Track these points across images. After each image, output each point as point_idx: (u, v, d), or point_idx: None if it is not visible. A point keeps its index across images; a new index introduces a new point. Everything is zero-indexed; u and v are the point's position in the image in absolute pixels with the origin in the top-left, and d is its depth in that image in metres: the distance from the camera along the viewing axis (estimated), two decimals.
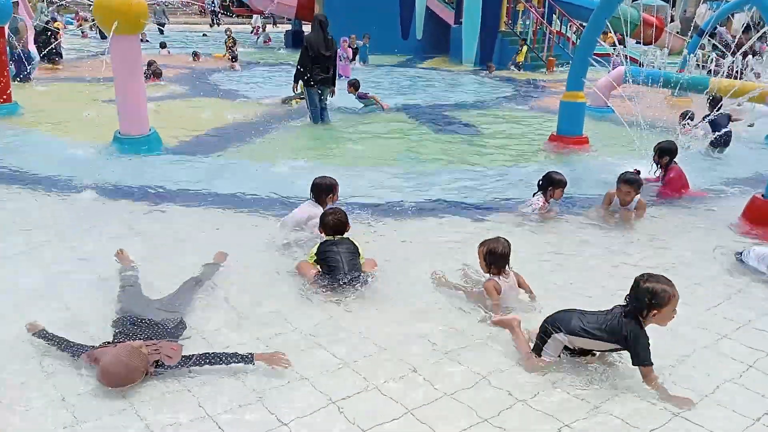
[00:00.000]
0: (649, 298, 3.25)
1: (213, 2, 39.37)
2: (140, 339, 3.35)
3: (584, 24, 14.75)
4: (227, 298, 4.27)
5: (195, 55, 19.68)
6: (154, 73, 14.63)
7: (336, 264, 4.38)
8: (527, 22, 21.51)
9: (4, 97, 10.24)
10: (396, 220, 5.97)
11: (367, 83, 15.16)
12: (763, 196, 5.97)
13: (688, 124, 8.82)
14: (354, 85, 12.06)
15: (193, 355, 3.38)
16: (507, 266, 4.26)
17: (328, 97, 10.51)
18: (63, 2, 25.23)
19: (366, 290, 4.37)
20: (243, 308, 4.13)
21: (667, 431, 3.00)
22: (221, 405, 3.11)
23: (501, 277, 4.22)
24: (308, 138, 9.85)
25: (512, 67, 19.71)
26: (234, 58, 18.51)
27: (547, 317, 3.57)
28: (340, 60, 14.32)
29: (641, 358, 3.25)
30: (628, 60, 13.74)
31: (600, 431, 3.01)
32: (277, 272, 4.68)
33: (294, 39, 26.08)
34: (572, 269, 4.95)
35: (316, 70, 10.07)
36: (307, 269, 4.52)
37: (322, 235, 4.68)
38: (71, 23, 30.08)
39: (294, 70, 10.32)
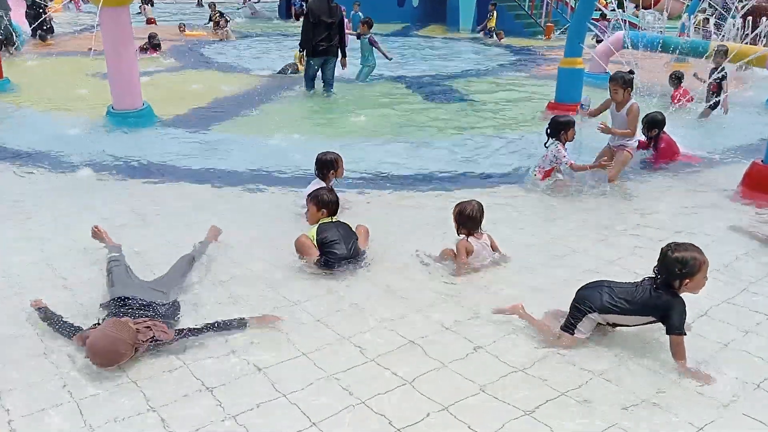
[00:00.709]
0: (679, 268, 3.18)
1: None
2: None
3: None
4: (222, 275, 4.22)
5: (181, 27, 19.13)
6: (153, 45, 14.43)
7: (340, 251, 4.24)
8: None
9: None
10: (393, 193, 5.92)
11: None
12: (762, 161, 5.91)
13: (677, 85, 8.82)
14: (368, 23, 11.51)
15: (185, 328, 3.37)
16: (479, 228, 4.37)
17: (337, 69, 10.25)
18: None
19: (365, 267, 4.35)
20: (239, 285, 4.09)
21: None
22: (217, 379, 3.10)
23: (472, 238, 4.32)
24: (305, 110, 9.76)
25: (482, 34, 19.50)
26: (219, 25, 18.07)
27: (577, 294, 3.49)
28: None
29: (676, 326, 3.19)
30: (627, 24, 13.54)
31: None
32: (277, 248, 4.58)
33: (287, 9, 25.68)
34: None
35: (318, 38, 9.84)
36: (308, 249, 4.34)
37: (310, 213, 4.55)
38: None
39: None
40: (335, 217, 4.55)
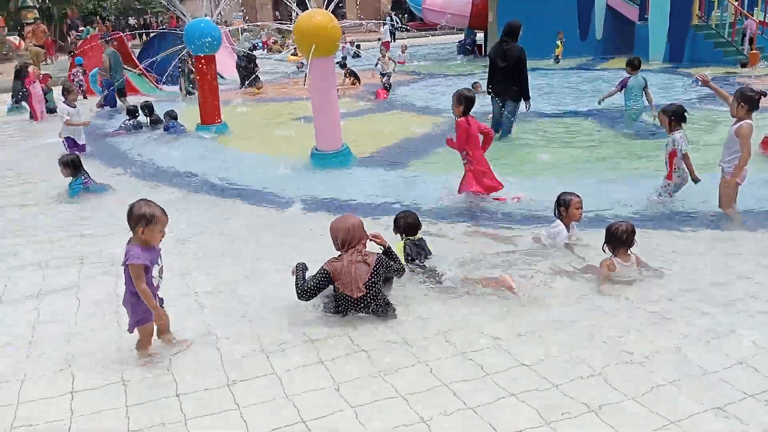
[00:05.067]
0: None
1: (391, 19, 40.82)
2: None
3: None
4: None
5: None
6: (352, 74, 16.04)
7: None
8: (724, 14, 19.64)
9: (216, 118, 11.49)
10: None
11: (540, 87, 14.95)
12: None
13: None
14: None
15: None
16: (628, 250, 4.71)
17: (518, 110, 10.16)
18: (263, 29, 27.72)
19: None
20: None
21: None
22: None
23: (617, 258, 4.68)
24: (492, 148, 9.82)
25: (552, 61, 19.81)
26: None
27: None
28: None
29: None
30: None
31: None
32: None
33: (465, 48, 26.28)
34: None
35: (494, 80, 10.04)
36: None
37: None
38: (259, 47, 32.93)
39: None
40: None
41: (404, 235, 5.12)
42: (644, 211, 6.29)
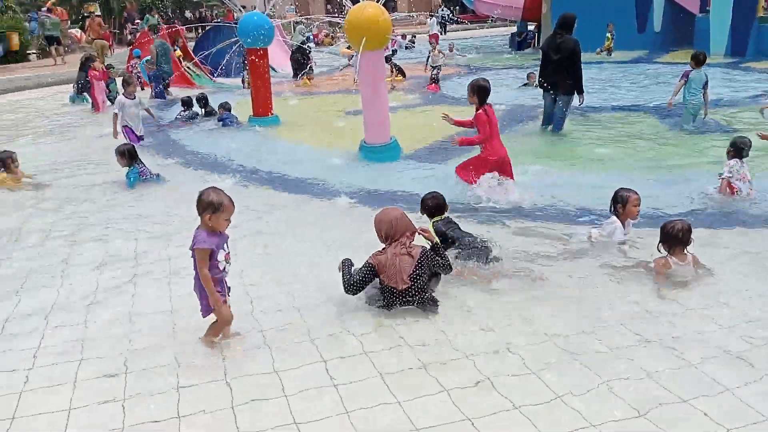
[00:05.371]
0: None
1: (442, 10, 40.59)
2: None
3: None
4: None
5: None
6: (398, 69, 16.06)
7: (464, 237, 4.97)
8: None
9: (269, 111, 11.67)
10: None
11: (595, 82, 14.65)
12: None
13: None
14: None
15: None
16: (684, 249, 4.59)
17: (571, 104, 9.97)
18: (314, 22, 27.95)
19: None
20: None
21: None
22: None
23: (673, 257, 4.57)
24: (542, 142, 9.70)
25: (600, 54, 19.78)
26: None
27: None
28: None
29: None
30: None
31: None
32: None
33: (519, 42, 25.90)
34: None
35: (546, 73, 9.89)
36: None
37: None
38: (310, 40, 33.16)
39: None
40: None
41: (431, 216, 5.20)
42: (700, 209, 6.10)
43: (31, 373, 3.73)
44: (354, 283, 4.24)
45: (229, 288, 3.98)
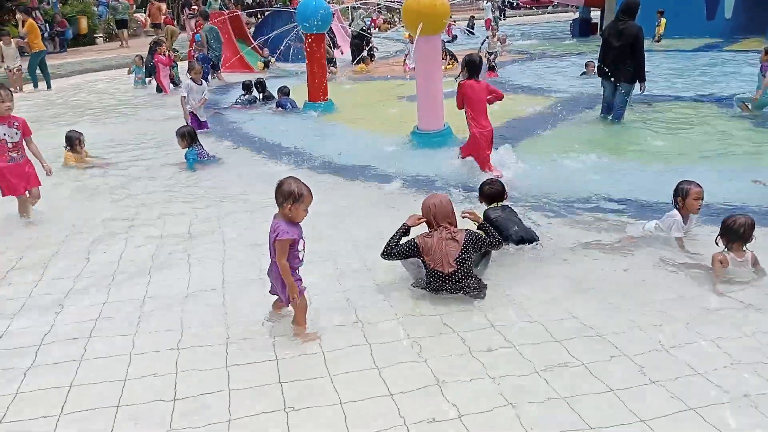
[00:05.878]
0: None
1: None
2: None
3: None
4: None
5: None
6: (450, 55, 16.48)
7: (506, 226, 4.90)
8: None
9: (324, 96, 11.75)
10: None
11: (656, 69, 14.18)
12: None
13: None
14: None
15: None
16: (743, 245, 4.39)
17: (632, 92, 9.64)
18: (373, 7, 27.92)
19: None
20: None
21: None
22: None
23: (731, 253, 4.38)
24: (602, 132, 9.46)
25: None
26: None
27: None
28: None
29: None
30: None
31: None
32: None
33: (581, 27, 25.23)
34: None
35: (607, 60, 9.59)
36: None
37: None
38: (368, 25, 33.10)
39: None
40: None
41: (489, 204, 5.21)
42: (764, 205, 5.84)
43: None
44: (393, 252, 4.38)
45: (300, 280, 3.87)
